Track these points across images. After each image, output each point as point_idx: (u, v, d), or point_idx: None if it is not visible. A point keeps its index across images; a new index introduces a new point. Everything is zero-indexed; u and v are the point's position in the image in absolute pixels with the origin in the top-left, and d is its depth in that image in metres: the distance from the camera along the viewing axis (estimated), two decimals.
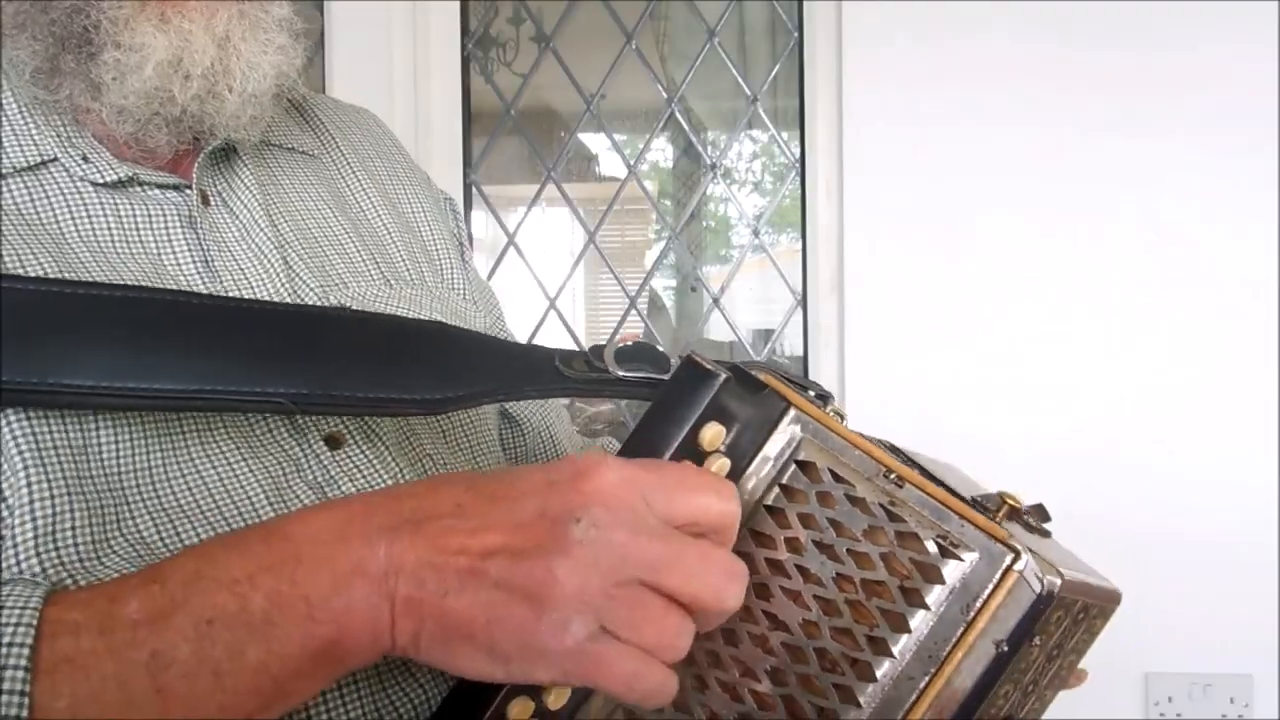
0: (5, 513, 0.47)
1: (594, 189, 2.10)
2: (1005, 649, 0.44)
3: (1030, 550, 0.43)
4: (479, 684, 0.45)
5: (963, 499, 0.45)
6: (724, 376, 0.47)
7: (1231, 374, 1.61)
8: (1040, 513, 0.50)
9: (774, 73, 1.87)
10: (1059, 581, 0.43)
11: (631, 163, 1.93)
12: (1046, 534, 0.50)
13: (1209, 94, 1.60)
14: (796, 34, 1.83)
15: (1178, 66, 1.61)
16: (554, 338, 1.88)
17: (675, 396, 0.47)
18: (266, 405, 0.51)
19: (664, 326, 2.01)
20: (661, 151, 2.10)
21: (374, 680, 0.53)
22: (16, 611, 0.40)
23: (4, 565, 0.46)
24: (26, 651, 0.39)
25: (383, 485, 0.58)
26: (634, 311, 1.93)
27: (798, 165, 1.83)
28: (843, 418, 0.50)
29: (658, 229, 1.99)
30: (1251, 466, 1.60)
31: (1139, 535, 1.55)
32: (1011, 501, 0.47)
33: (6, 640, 0.39)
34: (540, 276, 1.91)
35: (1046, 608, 0.43)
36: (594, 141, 2.11)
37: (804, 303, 1.80)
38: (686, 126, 1.92)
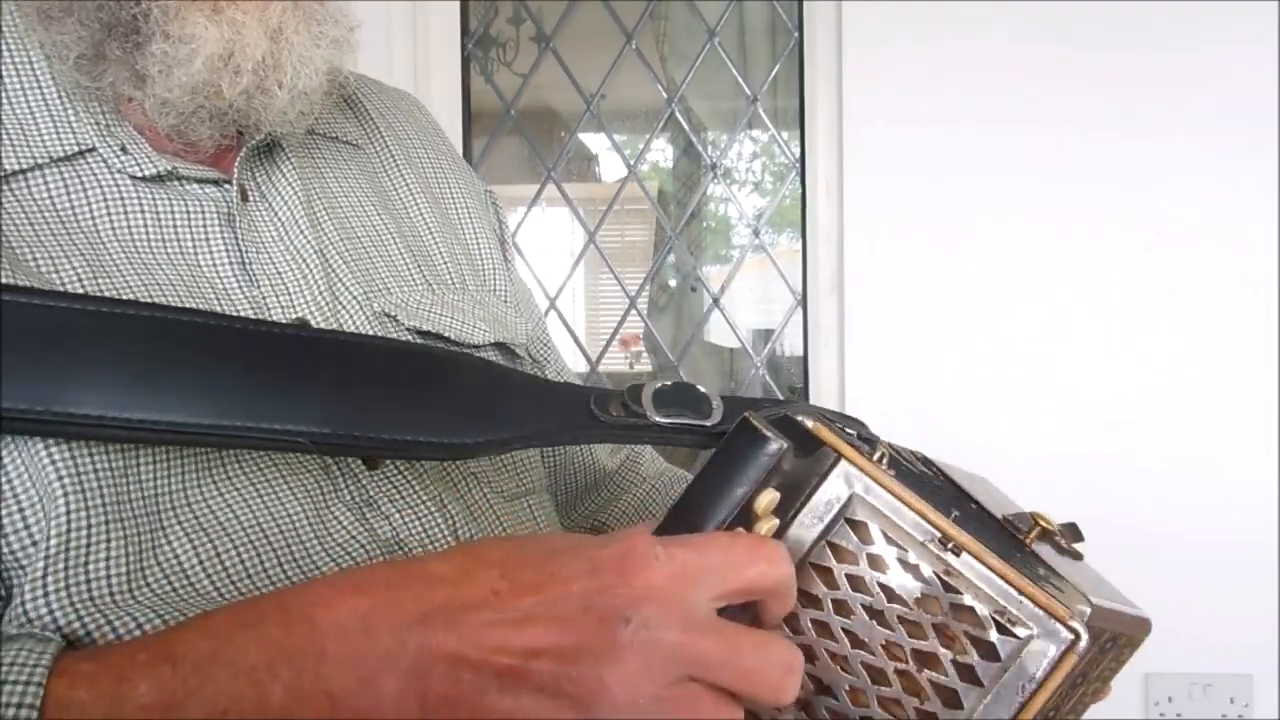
0: (30, 544, 0.45)
1: (594, 189, 2.10)
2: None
3: (1085, 604, 0.42)
4: None
5: (1019, 545, 0.44)
6: (783, 446, 0.44)
7: (1232, 374, 1.61)
8: (1073, 533, 0.49)
9: (774, 73, 1.87)
10: (1089, 611, 0.42)
11: (631, 163, 1.93)
12: (1079, 556, 0.49)
13: (1209, 94, 1.60)
14: (796, 34, 1.83)
15: (1178, 66, 1.61)
16: (554, 337, 1.88)
17: (730, 463, 0.44)
18: (285, 444, 0.48)
19: (665, 322, 2.01)
20: (661, 151, 2.10)
21: None
22: (19, 689, 0.38)
23: (29, 600, 0.44)
24: None
25: (422, 506, 0.56)
26: (634, 311, 1.94)
27: (798, 165, 1.83)
28: (885, 458, 0.48)
29: (657, 229, 1.99)
30: (1251, 467, 1.60)
31: (1139, 535, 1.55)
32: (1044, 523, 0.46)
33: (11, 717, 0.37)
34: (540, 276, 1.91)
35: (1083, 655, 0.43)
36: (594, 141, 2.11)
37: (804, 303, 1.80)
38: (686, 126, 1.92)
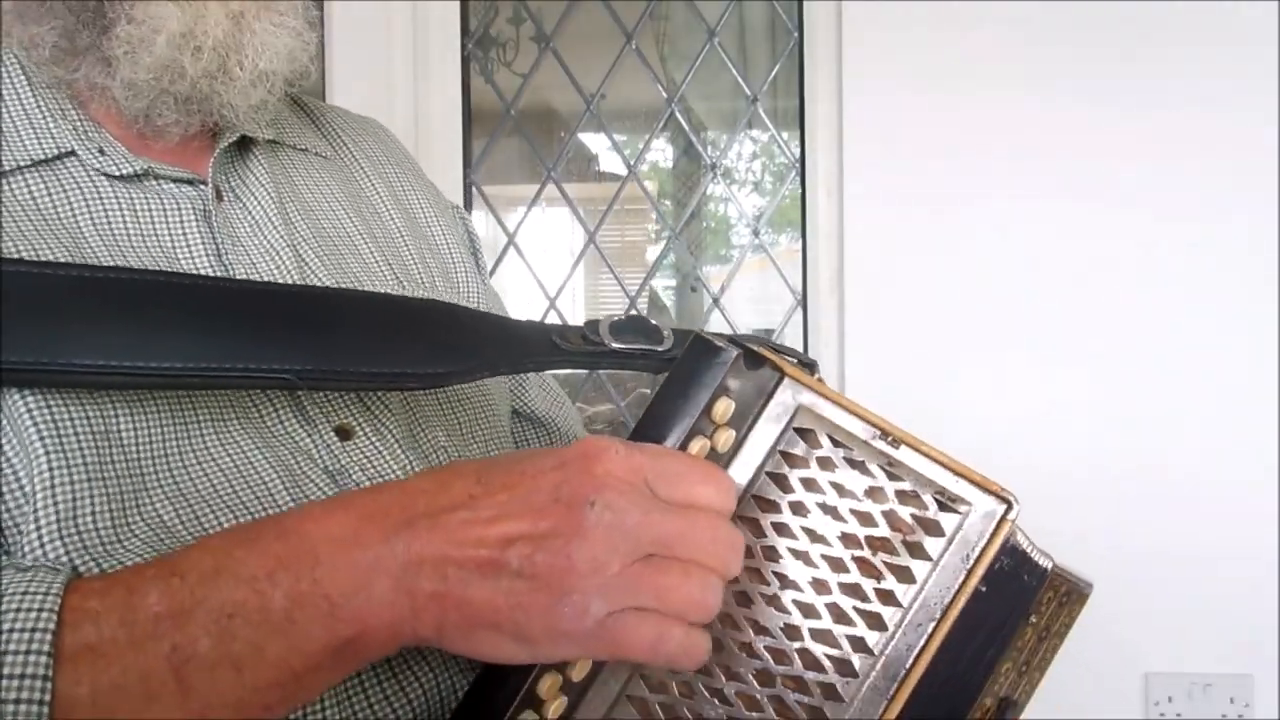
0: (23, 499, 0.47)
1: (594, 189, 2.10)
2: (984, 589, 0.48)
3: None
4: (505, 666, 0.47)
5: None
6: (735, 353, 0.48)
7: (1233, 374, 1.61)
8: None
9: (774, 73, 1.87)
10: (1052, 564, 0.47)
11: (631, 163, 1.93)
12: None
13: (1210, 92, 1.60)
14: (796, 34, 1.83)
15: (1180, 65, 1.61)
16: None
17: (689, 373, 0.49)
18: (271, 381, 0.52)
19: (665, 322, 2.01)
20: (661, 151, 2.10)
21: (384, 667, 0.53)
22: (39, 597, 0.40)
23: (26, 548, 0.46)
24: (49, 638, 0.39)
25: (392, 476, 0.59)
26: (634, 311, 1.93)
27: (798, 165, 1.83)
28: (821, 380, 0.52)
29: (657, 229, 1.99)
30: (1252, 467, 1.60)
31: (1139, 535, 1.55)
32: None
33: (30, 625, 0.39)
34: (540, 276, 1.91)
35: (1042, 584, 0.47)
36: (594, 141, 2.11)
37: (804, 303, 1.81)
38: (686, 126, 1.92)
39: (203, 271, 0.59)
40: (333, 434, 0.58)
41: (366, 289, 0.65)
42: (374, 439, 0.59)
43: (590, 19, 1.89)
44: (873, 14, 1.66)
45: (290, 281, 0.61)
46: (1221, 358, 1.61)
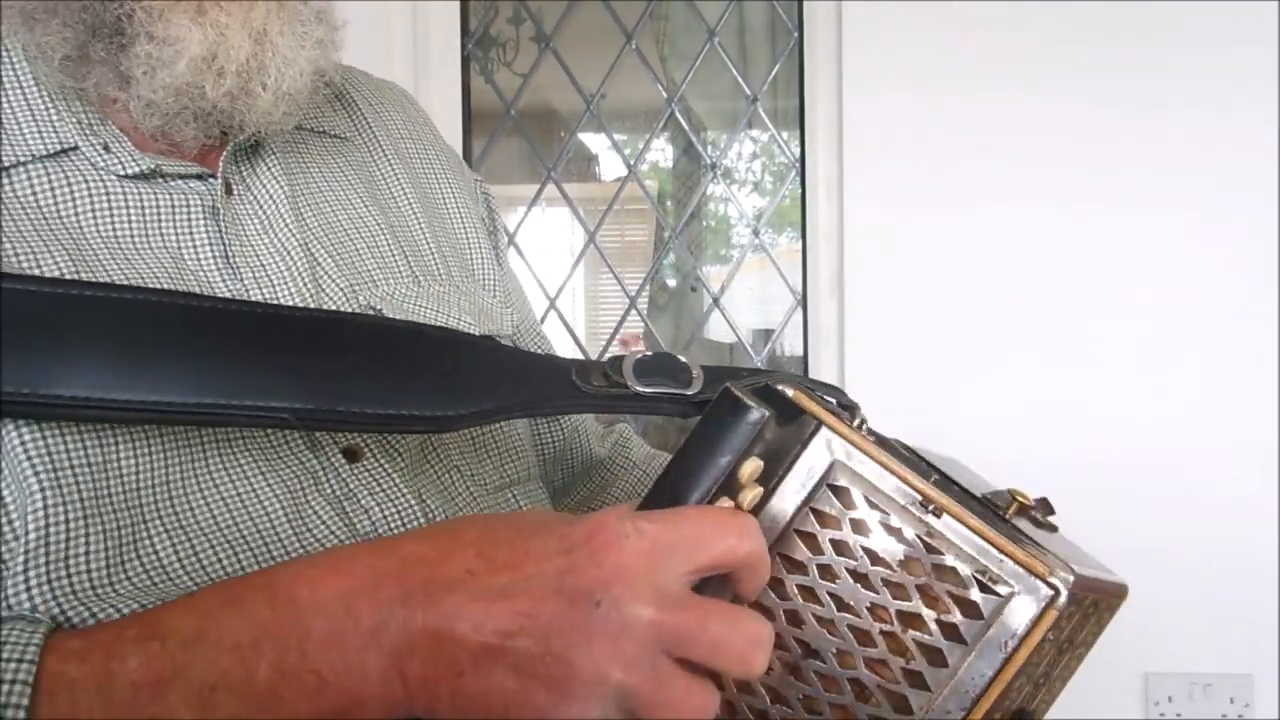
0: (13, 538, 0.45)
1: (594, 189, 2.10)
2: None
3: (1068, 571, 0.43)
4: None
5: (999, 519, 0.45)
6: (765, 414, 0.44)
7: (1232, 373, 1.61)
8: (1045, 506, 0.50)
9: (774, 73, 1.87)
10: (1072, 579, 0.43)
11: (631, 163, 1.93)
12: (1054, 528, 0.50)
13: (1211, 92, 1.60)
14: (796, 34, 1.83)
15: (1182, 65, 1.61)
16: (554, 337, 1.88)
17: (713, 433, 0.45)
18: (270, 420, 0.49)
19: (665, 322, 2.01)
20: (661, 151, 2.10)
21: None
22: (13, 665, 0.38)
23: (10, 591, 0.44)
24: (23, 714, 0.37)
25: (402, 500, 0.57)
26: (634, 311, 1.94)
27: (798, 165, 1.83)
28: (864, 425, 0.48)
29: (658, 230, 1.99)
30: (1252, 466, 1.60)
31: (1139, 535, 1.55)
32: (1021, 499, 0.47)
33: (3, 700, 0.37)
34: (540, 276, 1.91)
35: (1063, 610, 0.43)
36: (594, 141, 2.11)
37: (804, 303, 1.80)
38: (686, 126, 1.92)
39: (209, 273, 0.56)
40: (340, 456, 0.56)
41: (382, 288, 0.63)
42: (383, 461, 0.57)
43: (590, 19, 1.89)
44: (873, 14, 1.66)
45: (301, 285, 0.58)
46: (1222, 358, 1.61)
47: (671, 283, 2.04)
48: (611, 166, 2.07)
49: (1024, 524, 0.47)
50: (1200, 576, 1.58)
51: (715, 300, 1.89)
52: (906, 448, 0.51)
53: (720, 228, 2.07)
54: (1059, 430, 1.62)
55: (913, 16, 1.64)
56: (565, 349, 1.91)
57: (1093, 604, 0.47)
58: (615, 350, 2.03)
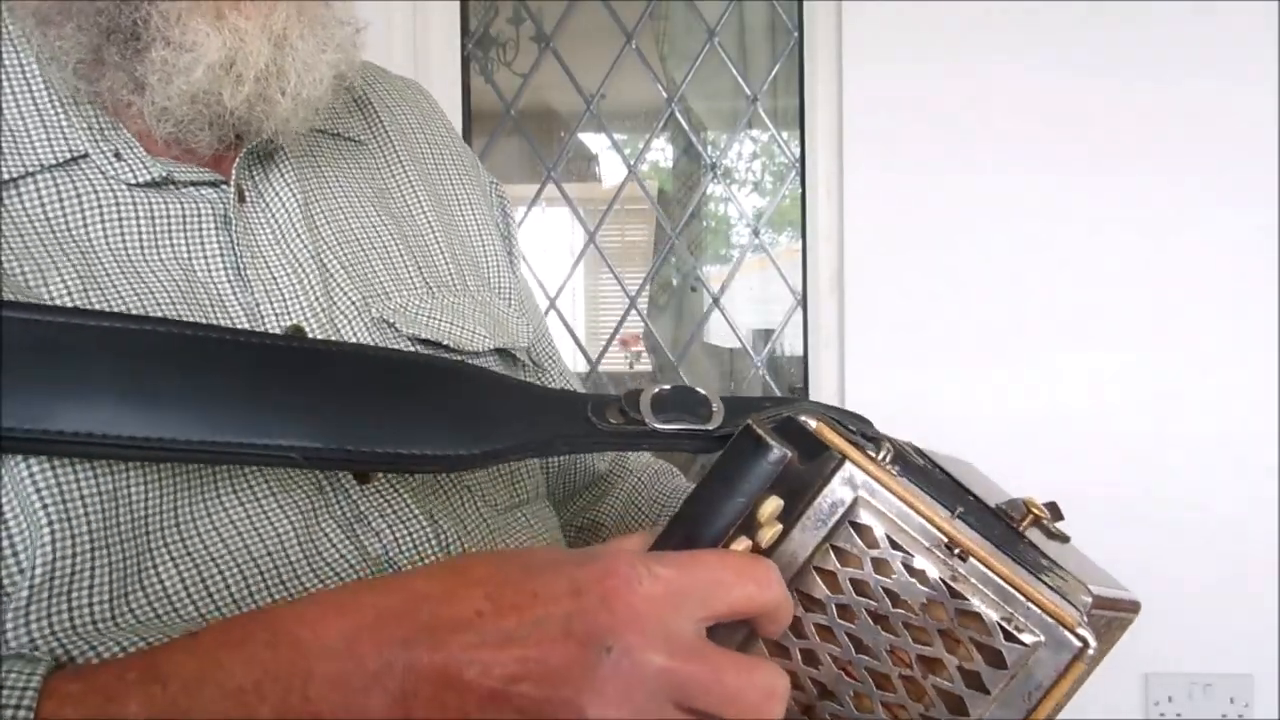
0: (17, 572, 0.44)
1: (594, 189, 2.10)
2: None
3: (1087, 627, 0.42)
4: None
5: (1018, 536, 0.44)
6: (786, 454, 0.43)
7: (1233, 374, 1.61)
8: (1055, 512, 0.49)
9: (774, 73, 1.87)
10: (1093, 643, 0.42)
11: (631, 163, 1.93)
12: (1066, 538, 0.49)
13: (1211, 92, 1.60)
14: (796, 34, 1.83)
15: (1181, 62, 1.61)
16: (554, 338, 1.88)
17: (732, 472, 0.44)
18: (277, 460, 0.48)
19: (665, 322, 2.01)
20: (661, 151, 2.10)
21: None
22: (10, 711, 0.38)
23: (9, 625, 0.43)
24: None
25: (413, 521, 0.56)
26: (634, 311, 1.94)
27: (798, 165, 1.83)
28: (888, 455, 0.47)
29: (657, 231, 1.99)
30: (1252, 466, 1.60)
31: (1139, 535, 1.55)
32: (1036, 510, 0.46)
33: None
34: (540, 276, 1.91)
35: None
36: (594, 141, 2.11)
37: (804, 303, 1.80)
38: (686, 126, 1.92)
39: (220, 285, 0.55)
40: (350, 477, 0.55)
41: (395, 300, 0.62)
42: (394, 482, 0.56)
43: (590, 19, 1.89)
44: (873, 14, 1.66)
45: (313, 298, 0.57)
46: (1222, 357, 1.61)
47: (672, 283, 2.04)
48: (611, 166, 2.07)
49: (1037, 536, 0.46)
50: (1200, 577, 1.58)
51: (715, 300, 1.89)
52: (919, 452, 0.50)
53: (720, 228, 2.07)
54: (1059, 430, 1.62)
55: (913, 17, 1.64)
56: (565, 349, 1.91)
57: (1107, 623, 0.46)
58: (615, 350, 2.03)
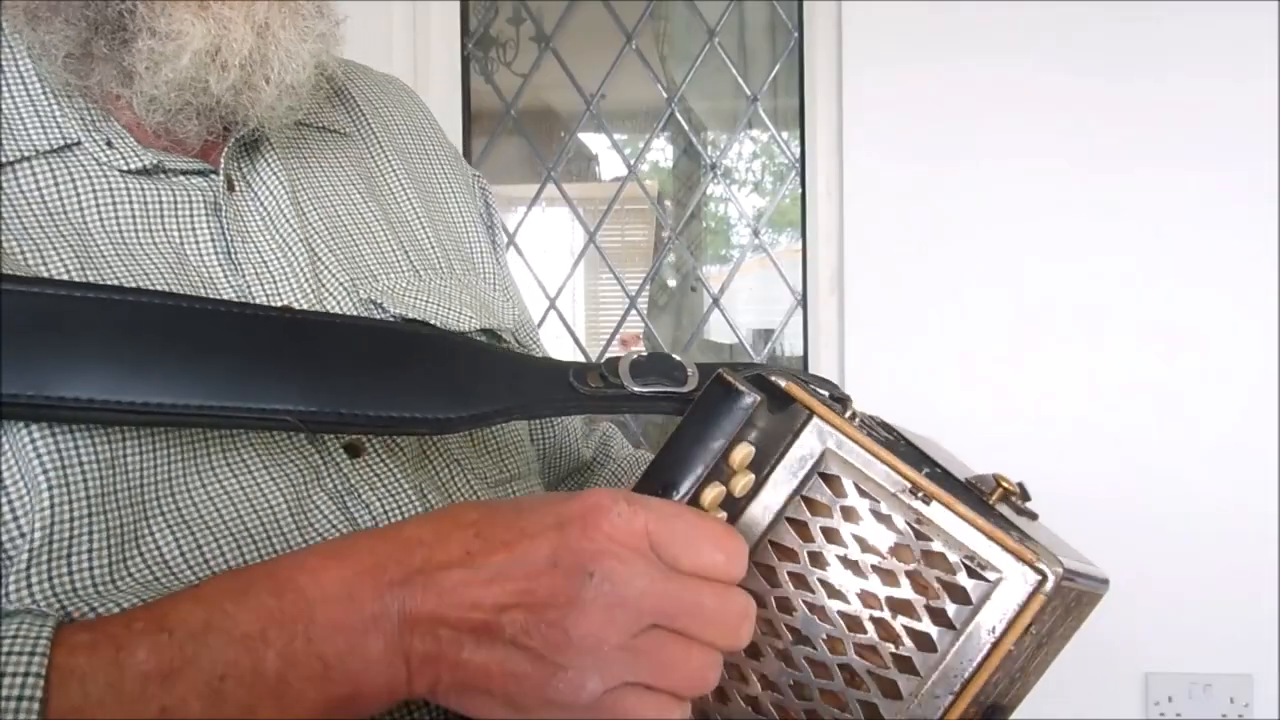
0: (18, 535, 0.45)
1: (594, 189, 2.10)
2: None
3: (1056, 562, 0.43)
4: None
5: (984, 505, 0.45)
6: (756, 399, 0.46)
7: (1233, 374, 1.61)
8: (1023, 492, 0.51)
9: (774, 73, 1.87)
10: (1061, 570, 0.44)
11: (631, 163, 1.93)
12: (1034, 516, 0.51)
13: (1211, 91, 1.60)
14: (796, 34, 1.83)
15: (1181, 61, 1.61)
16: (554, 337, 1.88)
17: (705, 418, 0.46)
18: (273, 423, 0.50)
19: (665, 321, 2.01)
20: (661, 151, 2.10)
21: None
22: (24, 659, 0.39)
23: (11, 586, 0.44)
24: (37, 706, 0.38)
25: (403, 494, 0.57)
26: (634, 311, 1.94)
27: (798, 165, 1.83)
28: (855, 416, 0.49)
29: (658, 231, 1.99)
30: (1252, 466, 1.60)
31: (1140, 535, 1.55)
32: (1005, 484, 0.47)
33: (17, 694, 0.38)
34: (540, 276, 1.91)
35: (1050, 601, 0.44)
36: (594, 141, 2.11)
37: (804, 303, 1.80)
38: (686, 126, 1.92)
39: (211, 269, 0.57)
40: (341, 451, 0.56)
41: (382, 283, 0.64)
42: (384, 456, 0.58)
43: (590, 19, 1.89)
44: (873, 14, 1.66)
45: (303, 281, 0.59)
46: (1223, 357, 1.61)
47: (671, 283, 2.04)
48: (611, 166, 2.07)
49: (1006, 510, 0.47)
50: (1200, 576, 1.58)
51: (715, 300, 1.89)
52: (887, 427, 0.52)
53: (720, 228, 2.07)
54: (1059, 429, 1.62)
55: (913, 16, 1.64)
56: (565, 349, 1.91)
57: (1075, 597, 0.48)
58: (615, 350, 2.03)
